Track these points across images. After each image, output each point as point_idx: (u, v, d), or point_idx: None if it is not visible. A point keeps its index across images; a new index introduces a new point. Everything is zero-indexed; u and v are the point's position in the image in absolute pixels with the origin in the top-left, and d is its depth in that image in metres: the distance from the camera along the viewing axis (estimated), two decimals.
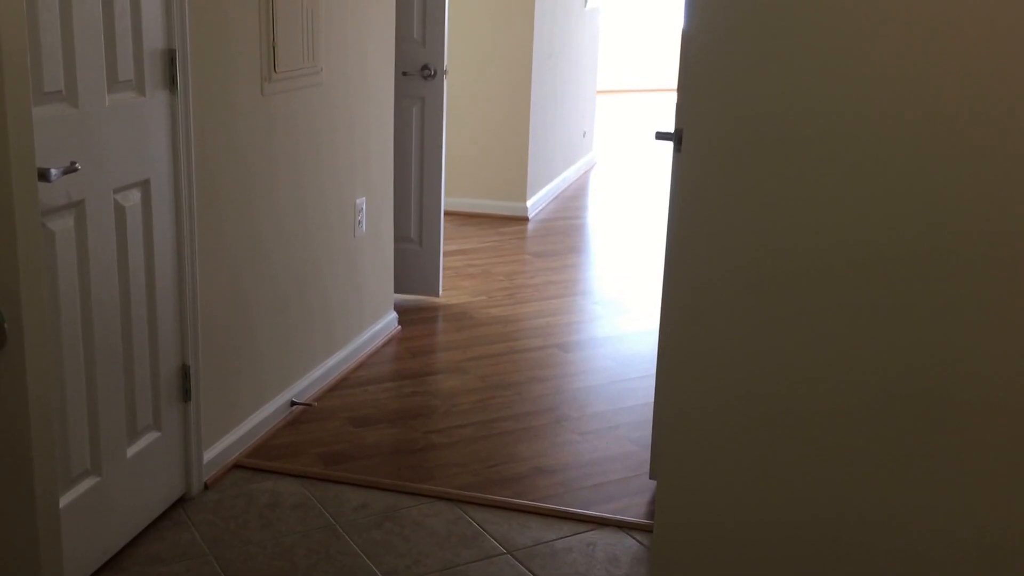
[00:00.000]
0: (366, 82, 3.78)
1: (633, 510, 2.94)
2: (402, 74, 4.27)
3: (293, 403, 3.42)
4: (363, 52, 3.74)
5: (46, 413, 1.24)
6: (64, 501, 2.35)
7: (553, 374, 3.94)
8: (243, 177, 3.03)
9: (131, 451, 2.59)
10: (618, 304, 4.82)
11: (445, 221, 5.91)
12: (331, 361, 3.70)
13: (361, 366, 3.88)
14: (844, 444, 2.03)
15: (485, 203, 6.33)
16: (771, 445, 2.07)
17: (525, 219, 6.30)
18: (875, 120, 1.88)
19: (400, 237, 4.43)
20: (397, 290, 4.46)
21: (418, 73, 4.31)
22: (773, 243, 1.99)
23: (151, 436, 2.68)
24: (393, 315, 4.24)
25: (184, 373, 2.78)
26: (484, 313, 4.59)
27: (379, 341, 4.08)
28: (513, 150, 6.27)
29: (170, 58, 2.57)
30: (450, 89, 6.06)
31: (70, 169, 2.17)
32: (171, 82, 2.59)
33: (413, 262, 4.56)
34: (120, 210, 2.45)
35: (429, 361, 4.06)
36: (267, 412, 3.28)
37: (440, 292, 4.65)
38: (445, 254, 5.15)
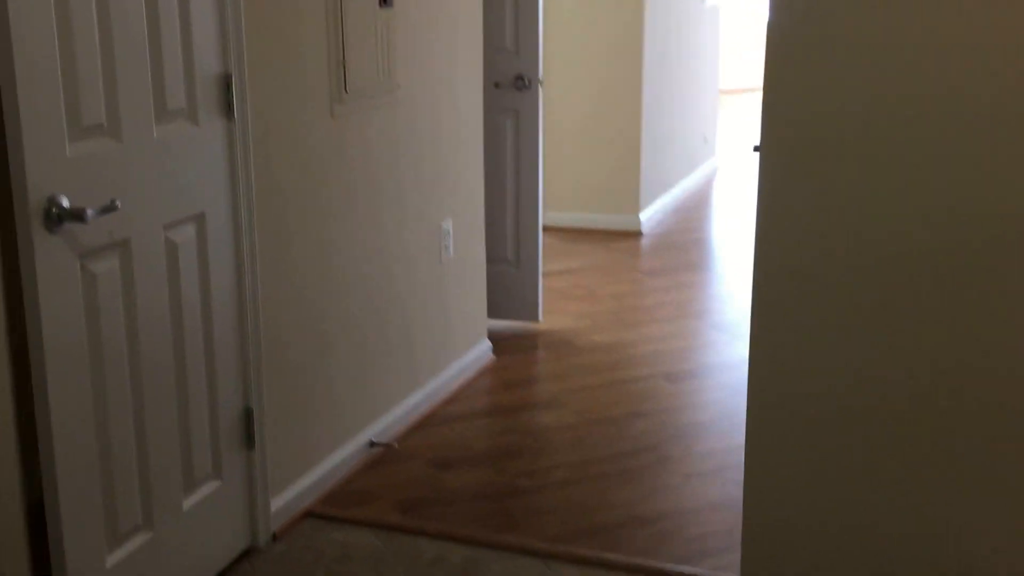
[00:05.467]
0: (451, 97, 3.67)
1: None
2: (494, 86, 4.15)
3: (372, 444, 3.33)
4: (447, 65, 3.63)
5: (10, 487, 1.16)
6: (113, 560, 2.30)
7: (657, 408, 3.74)
8: (312, 205, 2.96)
9: (188, 503, 2.53)
10: (737, 328, 4.56)
11: (550, 238, 5.79)
12: (416, 397, 3.60)
13: (450, 401, 3.77)
14: (940, 452, 1.99)
15: (594, 217, 6.16)
16: (861, 464, 2.06)
17: (639, 234, 6.10)
18: (954, 112, 1.87)
19: (495, 258, 4.31)
20: (493, 315, 4.34)
21: (511, 84, 4.19)
22: (858, 242, 1.98)
23: (211, 486, 2.62)
24: (487, 344, 4.12)
25: (247, 417, 2.72)
26: (587, 339, 4.42)
27: (471, 373, 3.97)
28: (624, 159, 6.08)
29: (226, 83, 2.51)
30: (552, 96, 5.93)
31: (108, 208, 2.12)
32: (227, 109, 2.53)
33: (510, 285, 4.43)
34: (171, 247, 2.40)
35: (524, 394, 3.92)
36: (344, 454, 3.19)
37: (540, 317, 4.51)
38: (548, 274, 5.01)
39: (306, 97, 2.89)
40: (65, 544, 2.17)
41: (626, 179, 6.10)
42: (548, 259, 5.35)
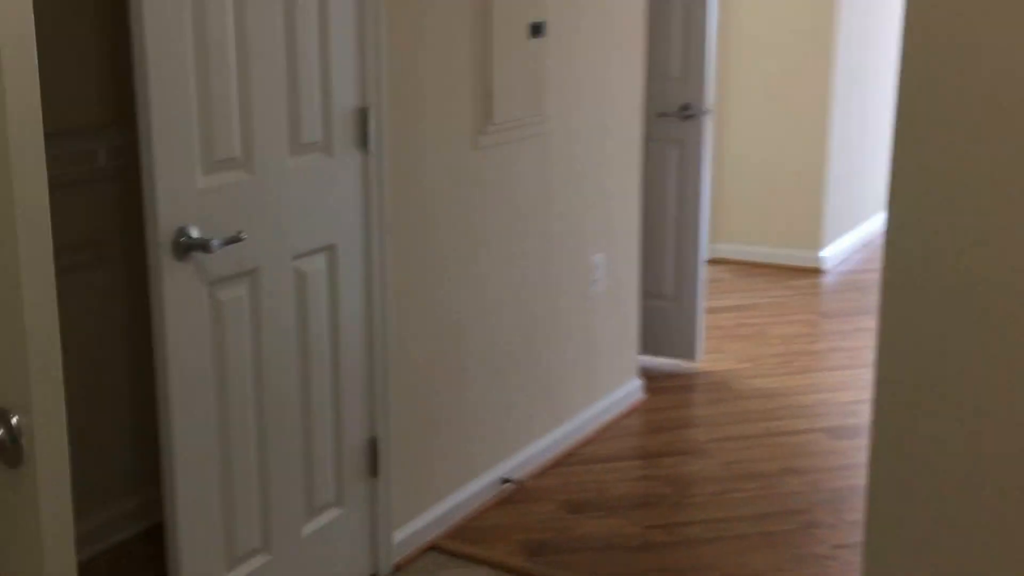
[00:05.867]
0: (606, 127, 3.63)
1: None
2: (657, 115, 4.08)
3: (504, 480, 3.31)
4: (603, 95, 3.59)
5: (63, 541, 1.20)
6: None
7: (813, 466, 3.56)
8: (449, 237, 2.98)
9: (308, 529, 2.60)
10: None
11: (722, 271, 5.64)
12: (555, 434, 3.56)
13: (591, 440, 3.71)
14: None
15: (772, 251, 5.94)
16: None
17: (820, 271, 5.84)
18: None
19: (652, 293, 4.22)
20: (649, 352, 4.26)
21: (677, 114, 4.10)
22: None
23: (332, 513, 2.67)
24: (636, 382, 4.04)
25: (372, 446, 2.76)
26: (747, 384, 4.26)
27: (617, 412, 3.89)
28: (808, 190, 5.84)
29: (363, 116, 2.57)
30: (730, 123, 5.78)
31: (234, 239, 2.20)
32: (363, 141, 2.58)
33: (668, 321, 4.33)
34: (300, 277, 2.46)
35: (670, 439, 3.81)
36: (473, 489, 3.19)
37: (699, 356, 4.38)
38: (714, 310, 4.88)
39: (448, 129, 2.91)
40: (182, 562, 2.26)
41: (809, 212, 5.85)
42: (717, 294, 5.21)
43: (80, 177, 2.79)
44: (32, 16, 1.12)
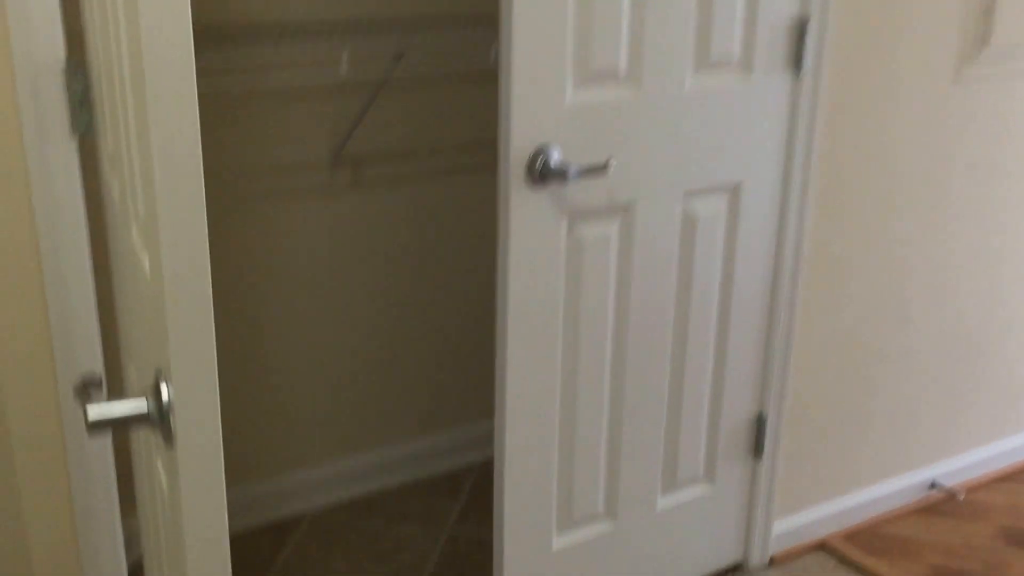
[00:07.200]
0: None
1: None
2: None
3: (932, 485, 2.67)
4: None
5: (208, 537, 0.97)
6: (562, 543, 2.11)
7: None
8: (898, 189, 2.34)
9: (665, 502, 2.23)
10: None
11: None
12: (1013, 440, 2.80)
13: None
14: None
15: None
16: None
17: None
18: None
19: None
20: None
21: None
22: None
23: (698, 490, 2.28)
24: None
25: (759, 424, 2.30)
26: None
27: None
28: None
29: (800, 30, 2.02)
30: None
31: (597, 168, 1.82)
32: (796, 62, 2.04)
33: None
34: (689, 220, 2.03)
35: None
36: (887, 489, 2.61)
37: None
38: None
39: (919, 52, 2.24)
40: (506, 511, 2.02)
41: None
42: None
43: (469, 74, 2.54)
44: None
